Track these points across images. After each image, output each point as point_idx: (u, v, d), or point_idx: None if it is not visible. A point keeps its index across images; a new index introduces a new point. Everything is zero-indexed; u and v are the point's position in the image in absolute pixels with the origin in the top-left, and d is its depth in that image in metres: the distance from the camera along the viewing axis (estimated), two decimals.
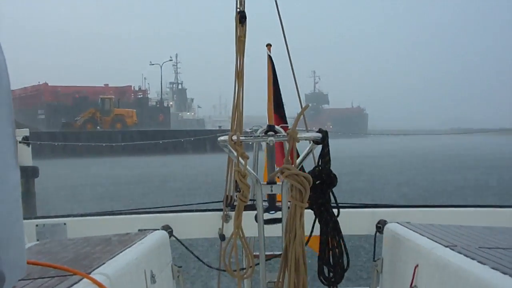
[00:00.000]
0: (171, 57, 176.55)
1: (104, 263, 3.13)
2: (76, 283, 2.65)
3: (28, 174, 21.33)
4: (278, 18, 5.56)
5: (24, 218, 4.52)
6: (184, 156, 60.15)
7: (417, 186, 35.92)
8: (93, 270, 2.95)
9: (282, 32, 5.44)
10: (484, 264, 2.77)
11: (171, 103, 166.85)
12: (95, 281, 2.70)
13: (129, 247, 3.67)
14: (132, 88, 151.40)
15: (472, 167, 49.02)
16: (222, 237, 5.08)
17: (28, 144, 21.06)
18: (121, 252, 3.49)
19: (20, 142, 20.49)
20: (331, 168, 4.11)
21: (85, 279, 2.71)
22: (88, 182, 39.22)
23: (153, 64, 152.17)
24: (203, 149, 58.45)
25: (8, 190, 1.47)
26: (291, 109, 4.35)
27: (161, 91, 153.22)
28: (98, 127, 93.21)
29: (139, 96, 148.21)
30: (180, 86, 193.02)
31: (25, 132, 21.49)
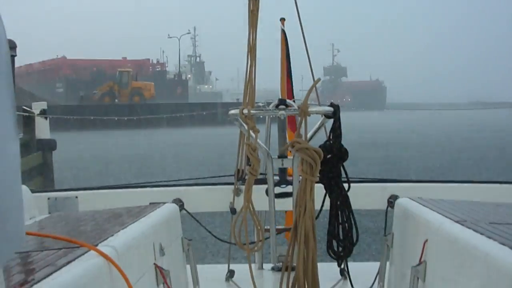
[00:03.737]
0: (189, 30, 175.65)
1: (112, 235, 3.13)
2: (82, 254, 2.65)
3: (46, 147, 21.37)
4: None
5: (36, 191, 4.55)
6: (201, 128, 60.25)
7: (434, 161, 35.77)
8: (100, 242, 2.95)
9: (295, 4, 5.39)
10: (494, 239, 2.75)
11: (189, 76, 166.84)
12: (101, 253, 2.70)
13: (138, 220, 3.67)
14: (150, 61, 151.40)
15: (491, 142, 48.68)
16: (233, 210, 5.08)
17: (45, 117, 21.09)
18: (130, 224, 3.50)
19: (37, 115, 20.55)
20: (343, 142, 4.08)
21: (91, 251, 2.71)
22: (105, 155, 39.40)
23: (171, 37, 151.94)
24: (220, 122, 58.45)
25: (7, 160, 1.47)
26: (309, 81, 4.32)
27: (179, 64, 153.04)
28: (116, 100, 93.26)
29: (157, 69, 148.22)
30: (198, 59, 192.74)
31: (43, 105, 21.50)
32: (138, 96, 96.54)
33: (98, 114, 49.68)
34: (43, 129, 21.06)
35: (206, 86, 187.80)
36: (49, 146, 21.61)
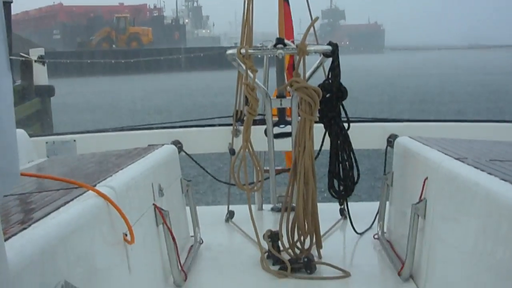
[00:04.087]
0: None
1: (110, 176, 3.11)
2: (81, 195, 2.63)
3: (44, 93, 21.31)
4: None
5: (34, 136, 4.52)
6: (199, 73, 60.09)
7: (432, 101, 35.77)
8: (99, 182, 2.93)
9: None
10: (495, 175, 2.73)
11: (186, 20, 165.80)
12: (100, 193, 2.68)
13: (137, 161, 3.65)
14: (147, 7, 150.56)
15: (488, 82, 48.57)
16: (232, 151, 5.06)
17: (43, 63, 20.99)
18: (128, 165, 3.47)
19: (35, 61, 20.46)
20: (341, 81, 4.05)
21: (90, 192, 2.69)
22: (103, 101, 39.34)
23: None
24: (217, 66, 58.29)
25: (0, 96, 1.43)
26: (307, 24, 4.25)
27: (177, 9, 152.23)
28: (113, 46, 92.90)
29: (155, 15, 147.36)
30: (195, 4, 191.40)
31: (40, 51, 21.39)
32: (136, 42, 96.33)
33: (95, 59, 49.47)
34: (41, 76, 21.01)
35: (203, 31, 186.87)
36: (47, 92, 21.58)
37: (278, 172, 5.01)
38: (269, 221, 5.11)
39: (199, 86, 48.99)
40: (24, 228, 2.03)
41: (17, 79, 20.74)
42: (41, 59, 20.84)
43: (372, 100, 34.71)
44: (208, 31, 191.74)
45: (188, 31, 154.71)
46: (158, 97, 41.09)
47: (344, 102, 4.06)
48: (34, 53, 20.65)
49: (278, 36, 4.50)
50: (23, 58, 20.00)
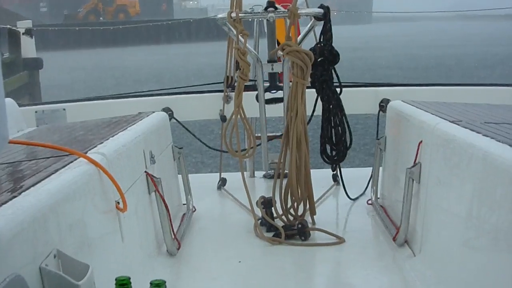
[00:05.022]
0: None
1: (101, 143, 3.07)
2: (71, 162, 2.58)
3: (32, 65, 21.17)
4: None
5: (23, 105, 4.46)
6: (188, 44, 59.82)
7: (422, 66, 35.82)
8: (90, 149, 2.89)
9: None
10: (491, 137, 2.70)
11: None
12: (91, 160, 2.63)
13: (127, 128, 3.60)
14: None
15: (474, 50, 48.56)
16: (223, 118, 5.02)
17: (31, 36, 20.82)
18: (119, 132, 3.43)
19: (23, 34, 20.29)
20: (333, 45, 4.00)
21: (81, 159, 2.64)
22: (93, 73, 39.15)
23: None
24: (205, 37, 58.12)
25: None
26: None
27: None
28: (101, 18, 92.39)
29: None
30: None
31: (28, 23, 21.21)
32: (123, 13, 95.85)
33: (83, 32, 49.14)
34: (29, 48, 20.83)
35: (191, 2, 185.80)
36: (35, 65, 21.42)
37: (270, 138, 4.98)
38: (262, 188, 5.08)
39: (188, 56, 48.79)
40: (15, 196, 2.00)
41: (5, 52, 20.59)
42: (28, 32, 20.67)
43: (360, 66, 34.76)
44: (196, 2, 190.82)
45: (175, 3, 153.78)
46: (147, 68, 40.92)
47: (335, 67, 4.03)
48: (22, 26, 20.48)
49: None
50: (12, 28, 19.82)
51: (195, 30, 60.20)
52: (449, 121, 3.27)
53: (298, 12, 3.85)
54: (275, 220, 3.97)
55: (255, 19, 4.72)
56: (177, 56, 49.92)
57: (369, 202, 4.51)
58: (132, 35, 55.71)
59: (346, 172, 4.76)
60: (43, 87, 22.86)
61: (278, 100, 4.51)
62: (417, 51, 49.00)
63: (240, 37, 3.99)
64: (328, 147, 4.16)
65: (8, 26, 19.95)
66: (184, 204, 4.50)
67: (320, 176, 4.77)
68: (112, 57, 50.40)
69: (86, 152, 2.78)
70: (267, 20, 4.11)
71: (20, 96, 19.49)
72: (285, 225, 3.90)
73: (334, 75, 4.05)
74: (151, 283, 2.06)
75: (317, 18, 3.98)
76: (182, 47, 58.27)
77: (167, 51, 54.76)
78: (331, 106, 4.03)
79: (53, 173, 2.36)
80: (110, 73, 38.86)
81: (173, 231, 3.65)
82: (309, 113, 4.15)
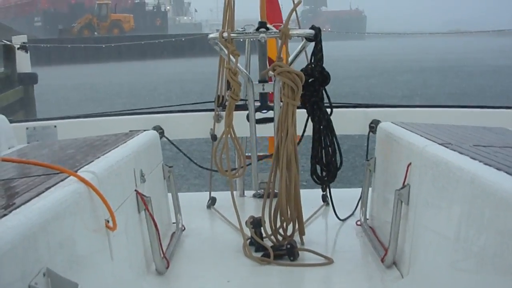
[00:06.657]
0: None
1: (92, 161, 3.07)
2: (62, 180, 2.59)
3: (27, 80, 21.19)
4: None
5: (14, 121, 4.46)
6: (181, 60, 59.97)
7: (414, 87, 35.95)
8: (80, 168, 2.90)
9: None
10: (479, 161, 2.72)
11: (168, 7, 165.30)
12: (82, 179, 2.64)
13: (118, 146, 3.61)
14: None
15: (469, 70, 48.84)
16: (213, 137, 5.03)
17: (26, 51, 20.85)
18: (110, 151, 3.43)
19: (18, 49, 20.32)
20: (324, 66, 4.02)
21: (72, 177, 2.65)
22: (87, 88, 39.16)
23: None
24: (199, 53, 58.27)
25: None
26: (289, 8, 4.22)
27: None
28: (95, 33, 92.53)
29: (136, 1, 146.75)
30: None
31: (23, 38, 21.25)
32: (118, 29, 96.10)
33: (77, 47, 49.29)
34: (24, 63, 20.88)
35: (185, 18, 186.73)
36: (30, 79, 21.46)
37: (260, 158, 4.99)
38: (251, 207, 5.08)
39: (181, 71, 48.86)
40: (5, 214, 2.00)
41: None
42: (23, 47, 20.69)
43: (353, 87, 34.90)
44: (190, 17, 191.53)
45: (169, 18, 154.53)
46: (140, 84, 40.96)
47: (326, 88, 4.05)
48: (17, 41, 20.51)
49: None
50: (7, 43, 19.83)
51: (190, 45, 60.38)
52: (438, 144, 3.28)
53: (290, 33, 3.88)
54: (264, 240, 3.98)
55: (247, 39, 4.74)
56: (168, 71, 50.10)
57: (358, 223, 4.51)
58: (126, 49, 55.85)
59: (336, 192, 4.76)
60: (38, 102, 22.89)
61: (269, 120, 4.52)
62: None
63: (231, 57, 4.02)
64: (318, 168, 4.17)
65: (3, 41, 19.92)
66: (173, 223, 4.50)
67: (310, 196, 4.78)
68: (104, 72, 50.43)
69: (76, 171, 2.79)
70: (258, 40, 4.13)
71: (15, 110, 19.49)
72: (274, 245, 3.90)
73: (325, 96, 4.07)
74: None
75: (308, 39, 4.00)
76: (175, 62, 58.47)
77: (157, 66, 54.95)
78: (321, 127, 4.05)
79: (43, 192, 2.37)
80: (103, 89, 38.90)
81: (162, 250, 3.65)
82: (299, 133, 4.17)
